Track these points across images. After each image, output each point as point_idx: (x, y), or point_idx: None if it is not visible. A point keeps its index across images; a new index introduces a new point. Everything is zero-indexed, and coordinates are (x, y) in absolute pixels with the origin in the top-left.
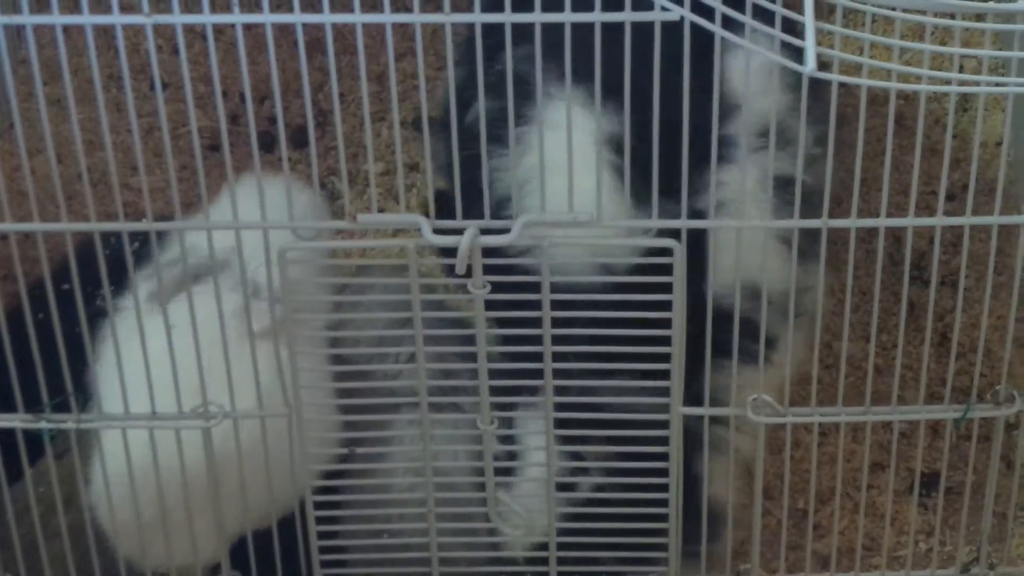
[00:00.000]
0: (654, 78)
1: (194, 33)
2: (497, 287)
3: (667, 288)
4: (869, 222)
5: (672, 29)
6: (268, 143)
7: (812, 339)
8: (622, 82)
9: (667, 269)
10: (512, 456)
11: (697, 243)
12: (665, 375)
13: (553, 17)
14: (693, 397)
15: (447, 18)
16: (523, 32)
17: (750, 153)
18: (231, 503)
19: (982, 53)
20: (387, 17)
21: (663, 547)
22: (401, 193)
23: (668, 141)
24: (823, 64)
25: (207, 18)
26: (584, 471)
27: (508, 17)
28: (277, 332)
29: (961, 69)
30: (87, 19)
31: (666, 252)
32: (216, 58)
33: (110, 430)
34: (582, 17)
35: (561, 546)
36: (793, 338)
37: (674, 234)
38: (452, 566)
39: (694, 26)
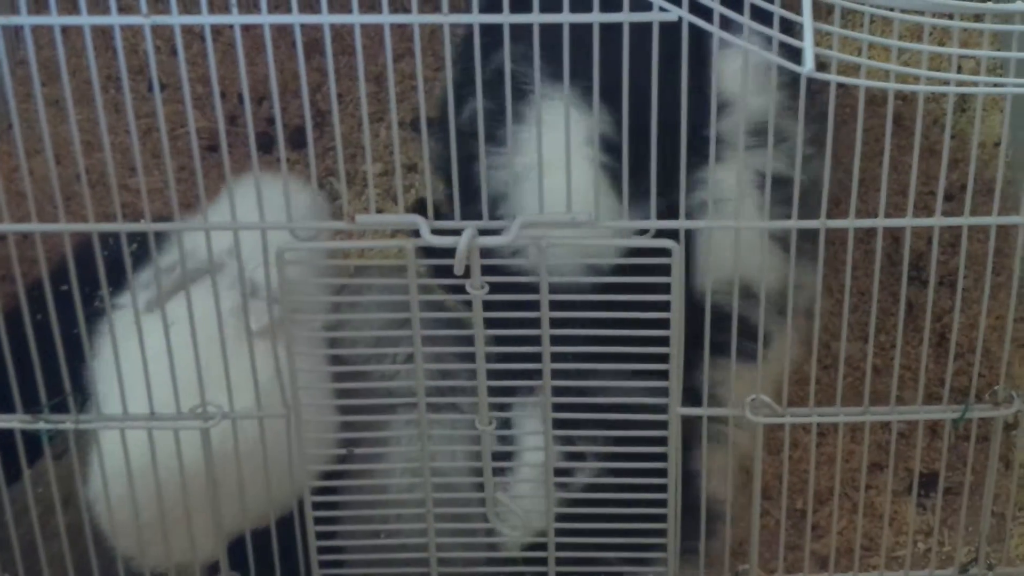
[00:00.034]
0: (652, 78)
1: (192, 34)
2: (493, 288)
3: (665, 288)
4: (867, 222)
5: (665, 29)
6: (266, 144)
7: (807, 337)
8: (613, 82)
9: (664, 269)
10: (510, 456)
11: (685, 242)
12: (663, 375)
13: (552, 18)
14: (686, 392)
15: (445, 19)
16: (514, 31)
17: (742, 152)
18: (229, 503)
19: (980, 54)
20: (385, 18)
21: (661, 547)
22: (399, 194)
23: (658, 141)
24: (821, 64)
25: (205, 19)
26: (582, 471)
27: (506, 18)
28: (275, 332)
29: (959, 70)
30: (85, 20)
31: (664, 253)
32: (214, 59)
33: (108, 430)
34: (581, 18)
35: (560, 546)
36: (788, 336)
37: (671, 234)
38: (450, 566)
39: (680, 25)
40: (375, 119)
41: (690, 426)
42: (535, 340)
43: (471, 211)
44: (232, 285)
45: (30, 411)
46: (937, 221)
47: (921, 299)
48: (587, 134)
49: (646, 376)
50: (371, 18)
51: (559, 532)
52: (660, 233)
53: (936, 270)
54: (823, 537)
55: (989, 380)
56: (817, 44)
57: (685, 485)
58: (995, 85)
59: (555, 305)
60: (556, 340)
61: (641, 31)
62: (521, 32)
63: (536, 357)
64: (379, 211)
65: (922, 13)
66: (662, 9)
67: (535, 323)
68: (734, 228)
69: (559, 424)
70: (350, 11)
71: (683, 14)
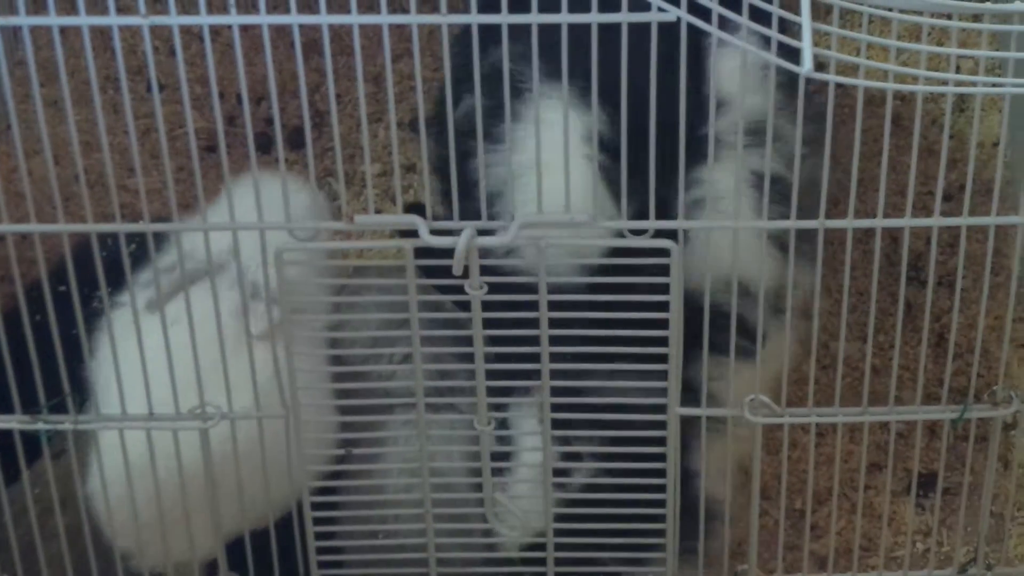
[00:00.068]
0: (651, 78)
1: (191, 34)
2: (491, 288)
3: (664, 289)
4: (866, 222)
5: (659, 28)
6: (265, 144)
7: (800, 336)
8: (608, 81)
9: (663, 269)
10: (509, 456)
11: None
12: (662, 375)
13: (550, 18)
14: (682, 387)
15: (444, 19)
16: (510, 30)
17: (734, 151)
18: (229, 504)
19: (979, 54)
20: (384, 18)
21: (660, 547)
22: (398, 194)
23: (646, 141)
24: (820, 65)
25: (204, 19)
26: (581, 471)
27: (505, 18)
28: (274, 333)
29: (958, 70)
30: (84, 20)
31: (663, 253)
32: (213, 59)
33: (108, 430)
34: (579, 18)
35: (558, 546)
36: (782, 336)
37: (668, 234)
38: (449, 566)
39: (677, 26)
40: (374, 119)
41: (688, 424)
42: (533, 340)
43: (466, 209)
44: (232, 286)
45: (29, 412)
46: (936, 221)
47: (920, 299)
48: (584, 133)
49: (644, 376)
50: (370, 18)
51: (558, 532)
52: (658, 232)
53: (935, 270)
54: (822, 537)
55: (988, 380)
56: (815, 44)
57: (683, 484)
58: (994, 85)
59: (553, 305)
60: (554, 340)
61: (637, 31)
62: (516, 31)
63: (534, 357)
64: (378, 211)
65: (920, 13)
66: (660, 9)
67: (533, 323)
68: (732, 228)
69: (558, 424)
70: (349, 11)
71: (682, 14)
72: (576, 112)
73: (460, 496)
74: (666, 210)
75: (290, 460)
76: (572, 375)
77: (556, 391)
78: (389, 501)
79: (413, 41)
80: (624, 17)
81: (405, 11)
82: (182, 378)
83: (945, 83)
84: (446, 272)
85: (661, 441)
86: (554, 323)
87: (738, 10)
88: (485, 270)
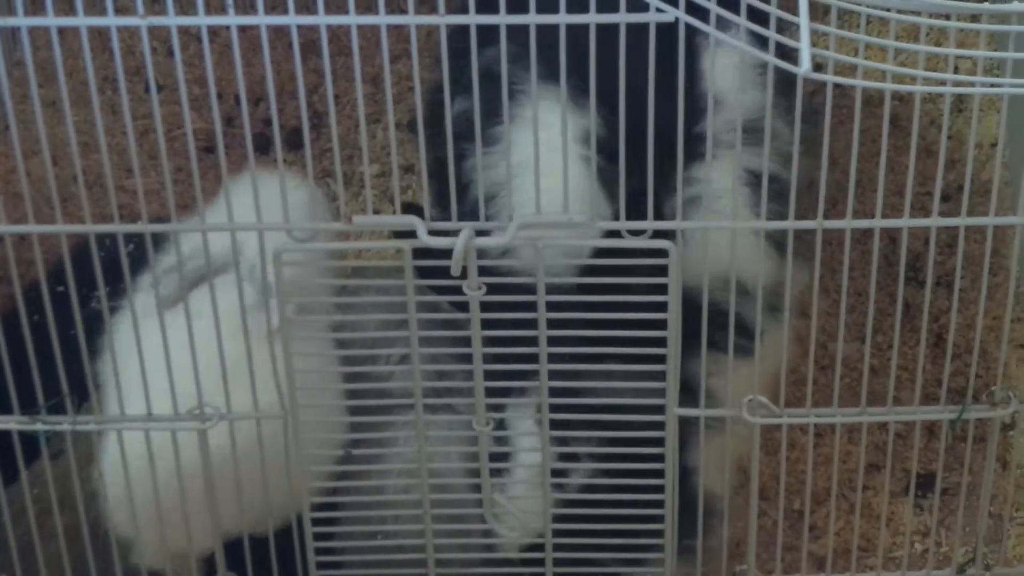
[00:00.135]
0: (649, 79)
1: (189, 35)
2: (489, 288)
3: (662, 289)
4: (864, 223)
5: (655, 28)
6: (263, 145)
7: (800, 336)
8: (604, 81)
9: (661, 270)
10: (507, 456)
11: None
12: (660, 376)
13: (548, 19)
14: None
15: (442, 20)
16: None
17: (729, 151)
18: (227, 504)
19: (977, 54)
20: (382, 19)
21: (659, 547)
22: (396, 195)
23: (642, 141)
24: (817, 65)
25: (202, 20)
26: (579, 471)
27: (503, 19)
28: (272, 333)
29: (956, 70)
30: (82, 21)
31: (661, 253)
32: (211, 60)
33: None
34: (577, 19)
35: (557, 547)
36: (778, 335)
37: (666, 234)
38: (447, 567)
39: (672, 26)
40: (372, 120)
41: (686, 420)
42: (531, 341)
43: (460, 211)
44: (231, 289)
45: (27, 412)
46: (934, 222)
47: (918, 300)
48: (580, 134)
49: (642, 376)
50: (368, 19)
51: (556, 533)
52: (655, 233)
53: (933, 271)
54: (820, 538)
55: (986, 381)
56: (813, 44)
57: (681, 481)
58: (992, 85)
59: (551, 306)
60: (552, 341)
61: (633, 30)
62: (510, 32)
63: (532, 358)
64: (376, 212)
65: (919, 13)
66: (658, 10)
67: (531, 324)
68: (730, 228)
69: (556, 425)
70: (347, 12)
71: (680, 15)
72: (572, 113)
73: (459, 497)
74: (661, 209)
75: (288, 461)
76: (570, 375)
77: (554, 391)
78: (388, 502)
79: (411, 42)
80: (622, 18)
81: (403, 11)
82: (183, 379)
83: (943, 83)
84: (444, 273)
85: (659, 442)
86: (552, 324)
87: (736, 10)
88: (483, 271)
